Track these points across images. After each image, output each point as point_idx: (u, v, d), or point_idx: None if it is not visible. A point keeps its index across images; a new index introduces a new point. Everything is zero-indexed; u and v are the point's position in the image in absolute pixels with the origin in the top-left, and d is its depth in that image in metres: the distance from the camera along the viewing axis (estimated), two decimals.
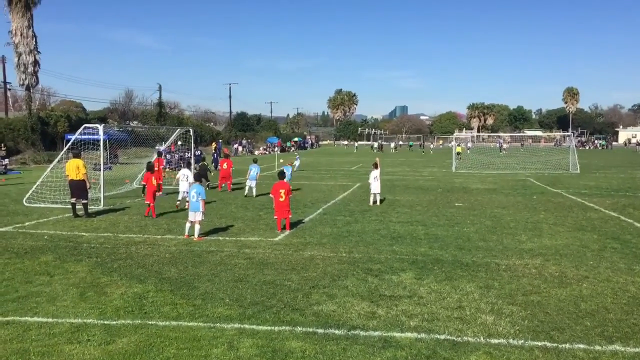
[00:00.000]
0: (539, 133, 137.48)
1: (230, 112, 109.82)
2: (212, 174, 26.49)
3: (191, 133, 29.75)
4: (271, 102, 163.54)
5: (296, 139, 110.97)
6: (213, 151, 49.44)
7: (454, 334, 7.21)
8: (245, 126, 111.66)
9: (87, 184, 17.40)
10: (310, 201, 21.38)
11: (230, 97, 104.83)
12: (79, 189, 17.10)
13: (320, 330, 7.28)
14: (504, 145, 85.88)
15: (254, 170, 23.51)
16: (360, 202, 21.29)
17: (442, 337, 7.09)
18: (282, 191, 14.58)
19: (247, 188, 23.42)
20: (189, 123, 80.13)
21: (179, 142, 39.82)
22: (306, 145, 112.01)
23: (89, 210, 17.51)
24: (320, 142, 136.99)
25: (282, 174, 15.45)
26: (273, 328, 7.36)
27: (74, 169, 17.04)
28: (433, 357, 6.43)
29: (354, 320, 7.73)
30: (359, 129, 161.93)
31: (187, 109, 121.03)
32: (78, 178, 17.07)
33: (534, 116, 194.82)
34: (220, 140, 68.75)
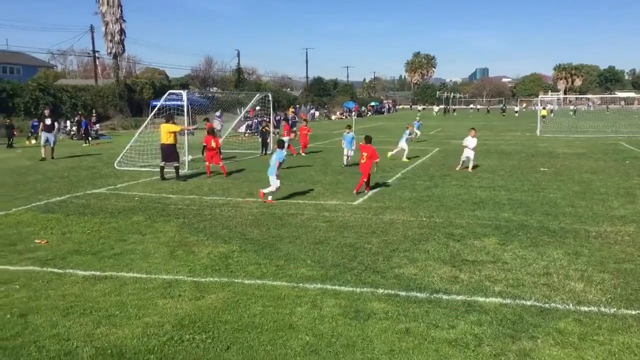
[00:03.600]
0: (632, 94, 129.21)
1: (307, 77, 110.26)
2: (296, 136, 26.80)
3: (270, 98, 30.10)
4: (347, 67, 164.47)
5: (373, 103, 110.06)
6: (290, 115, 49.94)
7: (541, 300, 7.02)
8: (322, 91, 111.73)
9: (187, 130, 17.90)
10: (389, 166, 21.22)
11: (307, 62, 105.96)
12: (167, 152, 17.74)
13: (402, 293, 7.29)
14: (585, 108, 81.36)
15: (348, 138, 21.48)
16: (439, 167, 20.94)
17: (529, 302, 6.92)
18: (365, 154, 14.91)
19: (345, 158, 21.55)
20: (266, 88, 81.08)
21: (258, 107, 40.46)
22: (383, 110, 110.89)
23: (180, 173, 18.14)
24: (397, 107, 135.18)
25: (367, 138, 15.58)
26: (355, 289, 7.43)
27: (165, 133, 17.68)
28: (519, 323, 6.29)
29: (436, 284, 7.67)
30: (437, 92, 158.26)
31: (265, 74, 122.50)
32: (168, 142, 17.69)
33: (626, 77, 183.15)
34: (297, 106, 69.26)
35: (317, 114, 78.86)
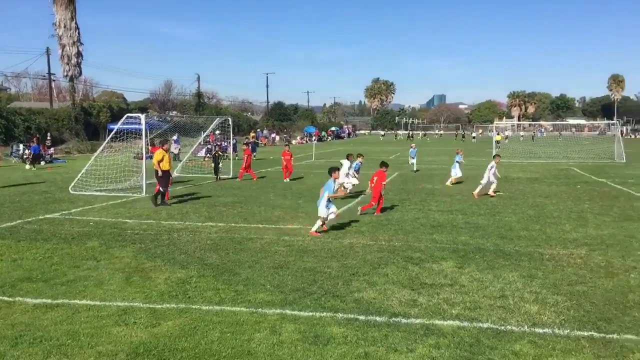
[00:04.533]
0: (582, 121, 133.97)
1: (268, 101, 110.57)
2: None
3: (229, 122, 30.01)
4: (308, 92, 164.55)
5: (333, 128, 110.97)
6: (250, 140, 49.87)
7: (497, 322, 7.12)
8: (282, 116, 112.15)
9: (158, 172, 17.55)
10: (349, 190, 21.32)
11: (267, 86, 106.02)
12: (168, 178, 17.90)
13: (361, 317, 7.29)
14: (538, 134, 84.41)
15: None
16: (398, 191, 21.17)
17: (485, 325, 7.01)
18: (375, 178, 15.85)
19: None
20: (226, 112, 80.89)
21: (217, 132, 40.29)
22: (343, 134, 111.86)
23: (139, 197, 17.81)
24: (357, 132, 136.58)
25: (383, 163, 16.63)
26: (314, 314, 7.40)
27: (167, 160, 17.71)
28: (476, 345, 6.36)
29: (395, 307, 7.71)
30: (396, 118, 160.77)
31: (225, 99, 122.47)
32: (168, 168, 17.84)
33: (577, 104, 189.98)
34: (259, 130, 69.23)
35: (277, 138, 78.99)
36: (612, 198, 18.98)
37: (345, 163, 20.07)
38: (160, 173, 17.36)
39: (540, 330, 6.84)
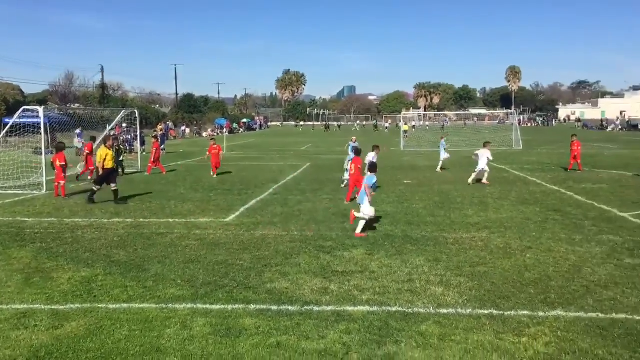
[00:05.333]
0: (483, 111, 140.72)
1: (177, 93, 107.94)
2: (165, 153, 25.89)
3: (136, 115, 29.05)
4: (218, 84, 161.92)
5: (245, 120, 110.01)
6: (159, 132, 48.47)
7: (404, 305, 7.38)
8: (192, 108, 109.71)
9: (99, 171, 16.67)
10: (261, 181, 21.31)
11: (175, 78, 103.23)
12: (112, 175, 16.93)
13: (274, 307, 7.32)
14: (445, 124, 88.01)
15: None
16: (311, 182, 21.36)
17: (394, 309, 7.25)
18: (353, 165, 16.17)
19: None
20: (133, 105, 78.13)
21: (124, 125, 38.88)
22: (255, 126, 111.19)
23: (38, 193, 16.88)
24: (269, 123, 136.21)
25: (357, 151, 16.98)
26: (226, 307, 7.35)
27: (111, 158, 16.77)
28: (385, 328, 6.57)
29: (307, 296, 7.80)
30: (308, 109, 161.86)
31: (132, 90, 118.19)
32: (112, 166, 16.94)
33: (478, 95, 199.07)
34: (168, 122, 67.49)
35: (187, 131, 77.26)
36: (511, 183, 20.11)
37: (370, 154, 19.40)
38: (101, 171, 16.55)
39: (445, 311, 7.17)
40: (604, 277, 8.52)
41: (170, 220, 13.56)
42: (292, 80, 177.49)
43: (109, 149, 16.87)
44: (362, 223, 11.73)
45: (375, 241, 11.12)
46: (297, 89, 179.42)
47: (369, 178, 12.22)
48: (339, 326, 6.65)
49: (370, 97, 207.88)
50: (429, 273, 8.89)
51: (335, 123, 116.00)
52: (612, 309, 7.16)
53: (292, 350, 5.99)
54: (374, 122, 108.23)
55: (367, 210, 11.72)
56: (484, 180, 20.33)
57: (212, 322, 6.78)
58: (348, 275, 8.82)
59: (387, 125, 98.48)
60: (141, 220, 13.43)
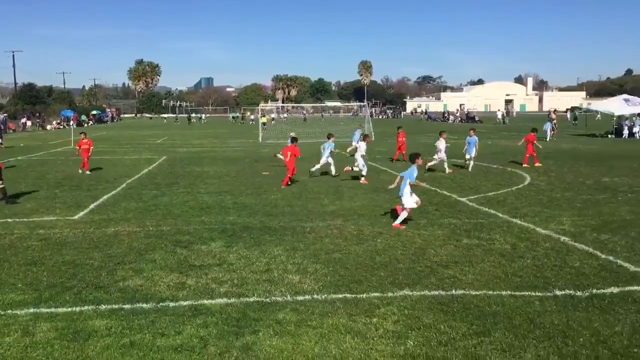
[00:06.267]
0: (338, 104, 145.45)
1: (15, 82, 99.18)
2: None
3: None
4: (64, 73, 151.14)
5: (95, 112, 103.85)
6: None
7: (262, 295, 7.45)
8: (34, 98, 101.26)
9: None
10: (113, 176, 20.30)
11: (14, 66, 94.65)
12: None
13: (127, 306, 7.04)
14: (305, 115, 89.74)
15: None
16: (166, 175, 20.75)
17: (252, 299, 7.30)
18: (289, 153, 17.61)
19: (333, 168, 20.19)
20: None
21: None
22: (106, 119, 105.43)
23: None
24: (122, 115, 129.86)
25: (293, 139, 18.57)
26: (74, 309, 6.93)
27: None
28: (243, 319, 6.59)
29: (162, 292, 7.59)
30: (163, 101, 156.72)
31: None
32: None
33: (333, 88, 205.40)
34: (5, 114, 61.92)
35: (29, 123, 71.26)
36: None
37: (362, 145, 19.32)
38: None
39: (301, 298, 7.35)
40: (445, 257, 9.23)
41: (10, 220, 12.47)
42: (145, 70, 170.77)
43: None
44: (403, 215, 11.69)
45: (234, 233, 11.09)
46: (152, 80, 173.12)
47: (411, 171, 11.95)
48: (196, 320, 6.56)
49: (229, 89, 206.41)
50: (287, 262, 9.05)
51: (203, 115, 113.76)
52: (452, 286, 7.79)
53: (147, 348, 5.81)
54: (238, 114, 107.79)
55: (408, 202, 11.69)
56: (447, 169, 20.84)
57: (58, 327, 6.35)
58: (206, 268, 8.72)
59: (252, 117, 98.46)
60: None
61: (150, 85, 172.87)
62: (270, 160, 26.41)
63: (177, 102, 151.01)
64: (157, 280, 8.10)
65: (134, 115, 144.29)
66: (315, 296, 7.41)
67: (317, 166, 20.35)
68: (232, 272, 8.50)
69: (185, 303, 7.16)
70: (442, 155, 21.09)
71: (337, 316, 6.70)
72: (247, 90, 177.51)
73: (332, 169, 20.12)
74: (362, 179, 18.40)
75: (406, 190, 11.71)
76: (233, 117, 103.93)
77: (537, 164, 22.35)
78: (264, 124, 52.97)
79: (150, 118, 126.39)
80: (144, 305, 7.09)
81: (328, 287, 7.80)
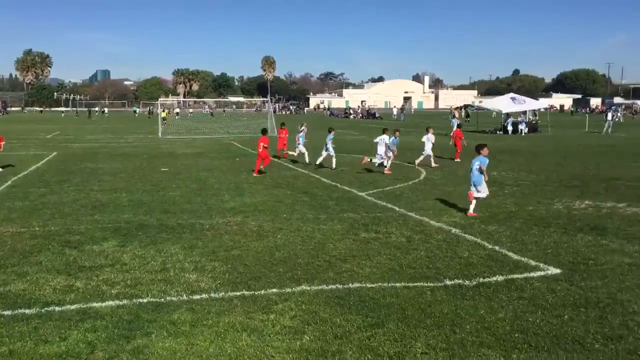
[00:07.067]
0: (241, 99, 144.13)
1: None
2: None
3: None
4: None
5: None
6: None
7: (157, 295, 7.21)
8: None
9: None
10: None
11: None
12: None
13: (7, 312, 6.56)
14: (208, 110, 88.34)
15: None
16: (57, 172, 19.62)
17: (145, 300, 7.03)
18: (262, 144, 18.59)
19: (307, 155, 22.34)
20: None
21: None
22: None
23: None
24: (8, 109, 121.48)
25: (264, 130, 19.74)
26: None
27: None
28: (135, 321, 6.33)
29: (48, 296, 7.15)
30: (55, 93, 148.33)
31: None
32: None
33: (236, 83, 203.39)
34: None
35: None
36: (265, 168, 20.91)
37: (384, 137, 19.81)
38: None
39: (198, 297, 7.18)
40: (343, 251, 9.38)
41: None
42: (35, 61, 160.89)
43: None
44: (474, 203, 12.24)
45: (128, 232, 10.66)
46: (42, 71, 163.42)
47: (483, 159, 12.31)
48: (83, 325, 6.22)
49: (127, 83, 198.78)
50: (184, 260, 8.82)
51: (105, 109, 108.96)
52: (349, 279, 7.92)
53: (28, 357, 5.43)
54: (138, 108, 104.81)
55: (484, 190, 12.34)
56: (433, 164, 21.33)
57: None
58: (97, 269, 8.31)
59: (156, 111, 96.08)
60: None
61: (40, 77, 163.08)
62: (170, 156, 25.64)
63: (70, 95, 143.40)
64: (42, 284, 7.62)
65: (21, 108, 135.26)
66: (212, 294, 7.27)
67: (320, 158, 21.21)
68: (125, 273, 8.16)
69: (72, 307, 6.78)
70: (427, 150, 21.91)
71: (234, 314, 6.60)
72: (147, 84, 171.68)
73: (334, 161, 20.88)
74: (385, 169, 19.55)
75: (482, 178, 12.28)
76: (134, 111, 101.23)
77: (457, 159, 23.55)
78: (164, 118, 51.49)
79: (41, 111, 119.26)
80: (26, 310, 6.64)
81: (226, 284, 7.68)
